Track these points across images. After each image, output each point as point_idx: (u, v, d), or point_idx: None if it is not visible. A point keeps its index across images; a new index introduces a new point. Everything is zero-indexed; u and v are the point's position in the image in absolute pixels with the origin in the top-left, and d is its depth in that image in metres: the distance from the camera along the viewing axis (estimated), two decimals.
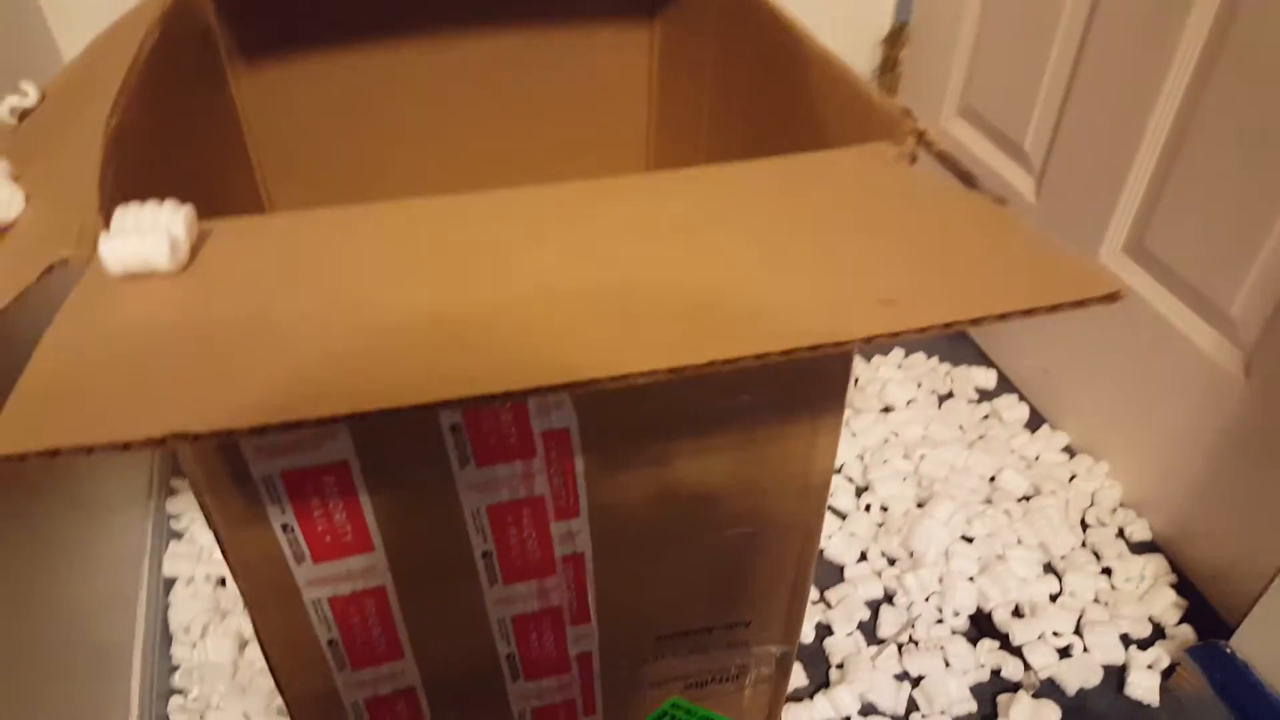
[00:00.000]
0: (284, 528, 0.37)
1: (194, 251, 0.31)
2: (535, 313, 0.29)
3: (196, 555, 0.70)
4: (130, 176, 0.37)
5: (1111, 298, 0.28)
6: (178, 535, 0.72)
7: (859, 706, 0.63)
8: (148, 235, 0.28)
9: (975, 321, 0.28)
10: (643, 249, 0.33)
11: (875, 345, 0.26)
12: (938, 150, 0.39)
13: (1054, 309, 0.28)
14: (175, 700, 0.61)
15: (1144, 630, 0.68)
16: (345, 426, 0.35)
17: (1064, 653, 0.67)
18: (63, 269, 0.31)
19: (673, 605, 0.46)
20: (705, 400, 0.38)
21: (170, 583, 0.68)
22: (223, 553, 0.37)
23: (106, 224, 0.31)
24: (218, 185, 0.57)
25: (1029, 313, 0.28)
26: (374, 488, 0.37)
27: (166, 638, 0.65)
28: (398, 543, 0.39)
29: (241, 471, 0.35)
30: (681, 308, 0.29)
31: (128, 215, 0.31)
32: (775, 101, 0.51)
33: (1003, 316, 0.28)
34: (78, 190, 0.33)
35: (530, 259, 0.32)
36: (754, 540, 0.44)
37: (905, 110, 0.39)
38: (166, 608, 0.66)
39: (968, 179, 0.37)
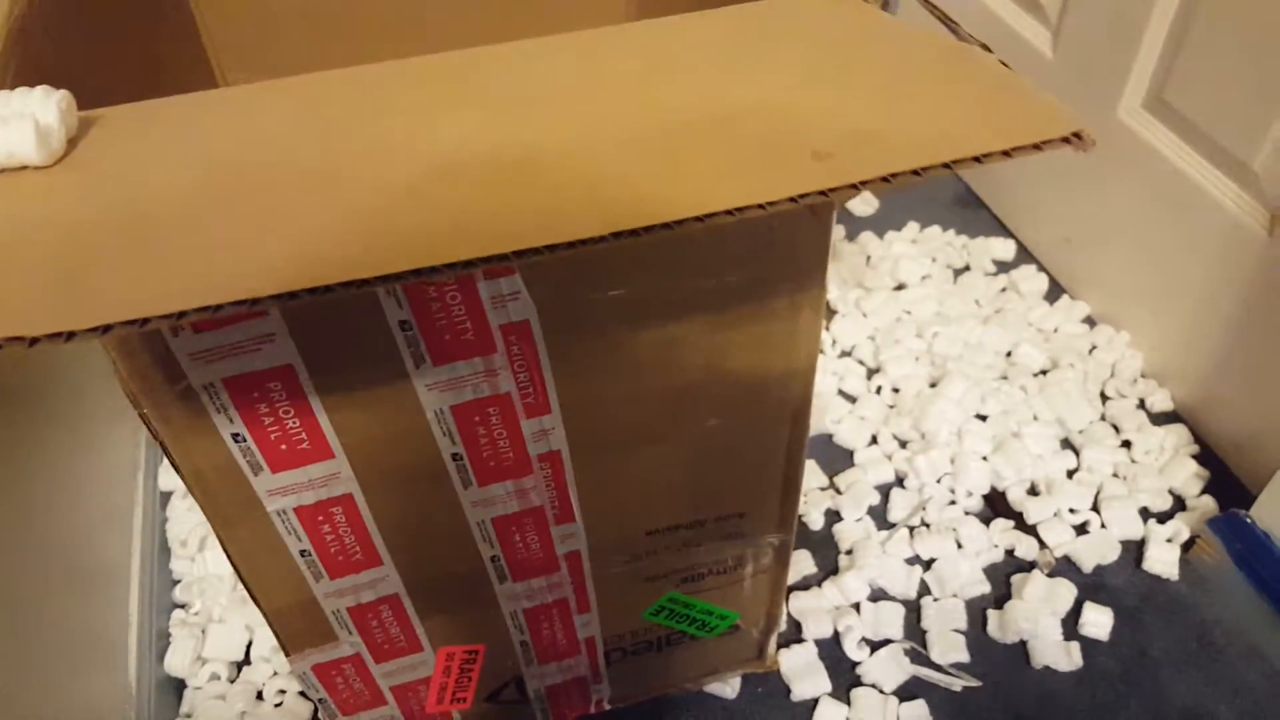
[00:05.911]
0: (235, 437, 0.35)
1: (73, 142, 0.28)
2: (464, 187, 0.26)
3: None
4: (40, 73, 0.34)
5: (1074, 139, 0.26)
6: None
7: (869, 592, 0.61)
8: (11, 123, 0.25)
9: (917, 172, 0.26)
10: (581, 108, 0.29)
11: (808, 201, 0.24)
12: None
13: (1008, 154, 0.26)
14: (177, 614, 0.61)
15: (1164, 503, 0.66)
16: (285, 330, 0.32)
17: (1081, 529, 0.65)
18: None
19: (661, 500, 0.44)
20: (671, 285, 0.35)
21: (166, 496, 0.68)
22: (173, 465, 0.36)
23: None
24: (161, 80, 0.53)
25: (980, 159, 0.26)
26: (325, 392, 0.35)
27: (165, 552, 0.64)
28: (360, 448, 0.37)
29: (179, 380, 0.33)
30: (604, 174, 0.26)
31: None
32: None
33: (948, 165, 0.26)
34: None
35: (457, 125, 0.29)
36: (738, 430, 0.42)
37: None
38: (164, 521, 0.66)
39: (949, 23, 0.33)
